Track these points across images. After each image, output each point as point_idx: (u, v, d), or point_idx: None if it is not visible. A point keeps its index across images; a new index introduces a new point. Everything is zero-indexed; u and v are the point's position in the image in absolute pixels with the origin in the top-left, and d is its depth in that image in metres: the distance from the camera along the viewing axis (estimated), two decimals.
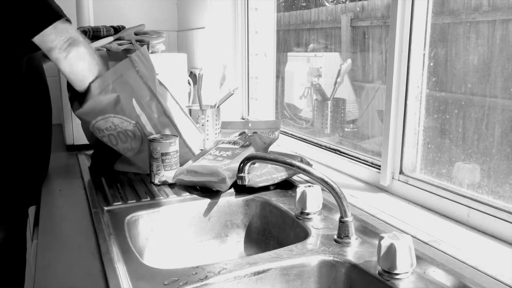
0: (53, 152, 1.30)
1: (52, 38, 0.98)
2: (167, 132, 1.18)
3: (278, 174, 1.08)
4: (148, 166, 1.15)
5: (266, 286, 0.74)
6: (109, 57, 1.30)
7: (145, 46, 1.22)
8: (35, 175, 1.18)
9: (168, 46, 2.01)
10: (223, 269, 0.72)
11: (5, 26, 0.97)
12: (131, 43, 1.53)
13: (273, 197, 1.04)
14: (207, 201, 1.03)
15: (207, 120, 1.49)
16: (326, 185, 0.79)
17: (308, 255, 0.77)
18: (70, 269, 0.73)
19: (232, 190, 1.07)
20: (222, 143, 1.20)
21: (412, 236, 0.76)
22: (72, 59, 1.01)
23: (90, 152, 1.35)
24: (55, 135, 1.33)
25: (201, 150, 1.34)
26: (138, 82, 1.14)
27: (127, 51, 1.32)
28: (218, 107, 1.53)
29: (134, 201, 1.01)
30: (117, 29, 1.53)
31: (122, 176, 1.19)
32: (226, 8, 1.80)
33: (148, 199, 1.02)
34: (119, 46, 1.51)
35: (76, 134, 1.48)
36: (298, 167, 0.82)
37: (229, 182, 1.03)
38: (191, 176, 1.07)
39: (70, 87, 1.14)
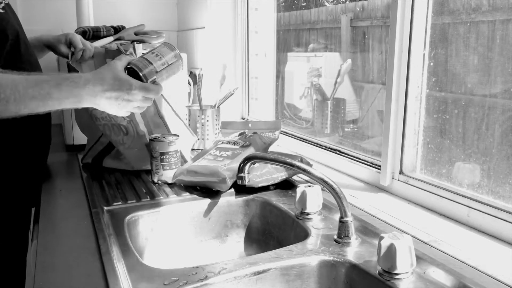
0: (53, 152, 1.30)
1: None
2: (159, 132, 1.19)
3: (278, 174, 1.07)
4: (137, 163, 1.16)
5: (266, 286, 0.74)
6: (107, 55, 1.29)
7: (131, 49, 1.22)
8: (37, 175, 1.17)
9: None
10: (223, 269, 0.72)
11: None
12: (132, 42, 1.53)
13: (273, 197, 1.04)
14: (207, 201, 1.03)
15: (207, 120, 1.49)
16: (326, 185, 0.79)
17: (308, 255, 0.77)
18: (70, 269, 0.73)
19: (232, 190, 1.07)
20: (222, 143, 1.20)
21: (412, 236, 0.76)
22: None
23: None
24: (55, 135, 1.33)
25: (201, 150, 1.34)
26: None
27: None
28: (218, 107, 1.52)
29: (134, 201, 1.01)
30: (117, 29, 1.53)
31: (122, 176, 1.19)
32: (226, 8, 1.80)
33: (148, 199, 1.02)
34: (120, 47, 1.51)
35: (76, 134, 1.48)
36: (298, 167, 0.82)
37: (230, 182, 1.03)
38: (191, 176, 1.07)
39: (70, 69, 1.14)
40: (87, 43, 1.28)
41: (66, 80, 0.85)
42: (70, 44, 1.26)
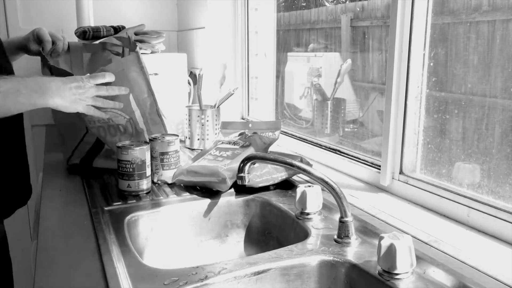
0: (53, 152, 1.30)
1: None
2: (156, 130, 1.18)
3: (278, 174, 1.07)
4: None
5: (266, 286, 0.74)
6: (85, 49, 1.27)
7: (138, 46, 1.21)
8: (13, 181, 1.15)
9: (168, 46, 2.01)
10: (223, 269, 0.72)
11: None
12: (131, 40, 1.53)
13: (273, 197, 1.04)
14: (207, 201, 1.03)
15: (207, 120, 1.49)
16: (326, 185, 0.79)
17: (308, 255, 0.77)
18: (70, 269, 0.73)
19: (232, 190, 1.07)
20: (222, 143, 1.20)
21: (412, 236, 0.76)
22: None
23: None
24: (55, 135, 1.32)
25: (201, 150, 1.34)
26: (138, 78, 1.14)
27: (104, 44, 1.29)
28: (218, 107, 1.53)
29: (134, 201, 1.01)
30: (117, 29, 1.53)
31: None
32: (226, 8, 1.80)
33: (148, 199, 1.02)
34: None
35: None
36: (298, 167, 0.82)
37: (230, 183, 1.03)
38: (191, 177, 1.07)
39: (45, 67, 1.12)
40: (58, 34, 1.23)
41: (31, 76, 0.96)
42: (39, 39, 1.21)
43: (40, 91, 0.93)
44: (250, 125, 1.35)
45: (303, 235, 0.87)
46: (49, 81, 0.96)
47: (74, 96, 0.98)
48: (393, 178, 1.03)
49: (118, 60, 1.11)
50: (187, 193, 1.06)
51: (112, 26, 1.53)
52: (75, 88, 0.98)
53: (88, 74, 1.03)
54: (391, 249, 0.67)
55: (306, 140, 1.44)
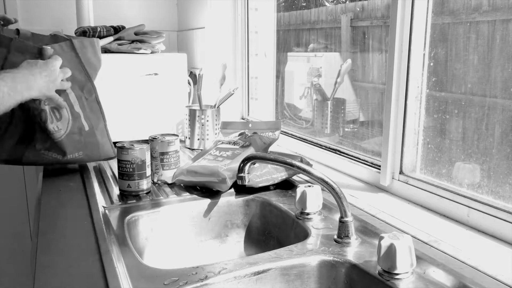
0: None
1: None
2: (94, 117, 1.18)
3: (278, 174, 1.07)
4: (76, 151, 1.15)
5: (266, 286, 0.74)
6: (33, 40, 1.21)
7: (97, 39, 1.20)
8: None
9: (168, 46, 2.01)
10: (223, 269, 0.72)
11: None
12: (131, 42, 1.53)
13: (273, 197, 1.04)
14: (207, 201, 1.03)
15: (207, 120, 1.49)
16: (326, 185, 0.79)
17: (308, 255, 0.77)
18: (70, 269, 0.73)
19: (232, 190, 1.07)
20: (222, 143, 1.20)
21: (412, 236, 0.76)
22: None
23: None
24: None
25: (201, 150, 1.34)
26: (73, 64, 1.13)
27: (41, 36, 1.26)
28: (218, 107, 1.53)
29: (134, 201, 1.01)
30: (117, 29, 1.53)
31: None
32: (226, 8, 1.80)
33: (148, 199, 1.02)
34: (119, 46, 1.51)
35: None
36: (298, 167, 0.82)
37: (230, 183, 1.03)
38: (191, 177, 1.07)
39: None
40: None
41: (15, 71, 0.95)
42: None
43: (26, 86, 0.95)
44: (250, 125, 1.35)
45: (303, 235, 0.87)
46: (28, 75, 0.97)
47: (46, 83, 1.00)
48: (393, 178, 1.03)
49: (51, 45, 1.10)
50: (187, 193, 1.06)
51: (112, 26, 1.53)
52: (46, 75, 1.00)
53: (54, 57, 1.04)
54: (391, 249, 0.67)
55: (306, 140, 1.44)
